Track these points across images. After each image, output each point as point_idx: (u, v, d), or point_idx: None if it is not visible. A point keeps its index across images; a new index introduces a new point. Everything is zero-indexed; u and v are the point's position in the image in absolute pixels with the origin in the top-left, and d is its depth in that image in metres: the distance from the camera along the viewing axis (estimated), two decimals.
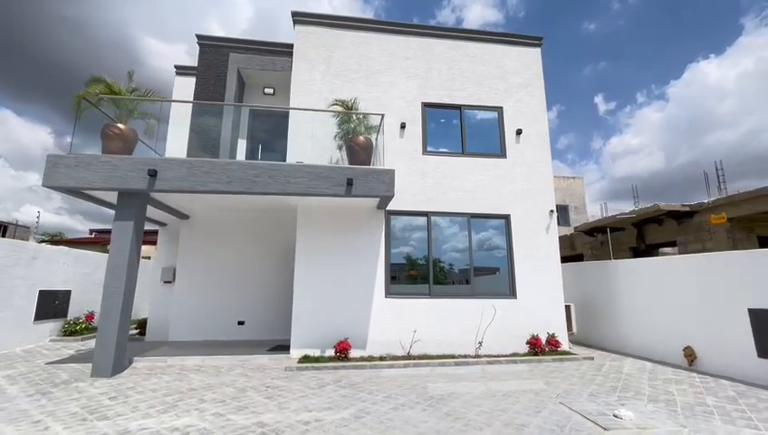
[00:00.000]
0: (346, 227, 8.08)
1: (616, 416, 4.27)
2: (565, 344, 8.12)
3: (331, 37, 8.96)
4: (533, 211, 8.81)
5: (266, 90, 9.86)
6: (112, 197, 7.00)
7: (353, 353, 7.31)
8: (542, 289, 8.42)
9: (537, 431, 3.93)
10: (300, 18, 8.89)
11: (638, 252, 12.54)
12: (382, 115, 7.62)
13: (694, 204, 10.27)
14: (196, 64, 10.59)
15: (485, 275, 8.55)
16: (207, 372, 6.40)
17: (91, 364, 6.60)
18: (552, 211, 8.85)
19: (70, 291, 9.88)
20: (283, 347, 8.21)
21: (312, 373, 6.44)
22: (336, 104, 7.84)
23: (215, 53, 9.36)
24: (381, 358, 7.35)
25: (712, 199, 9.52)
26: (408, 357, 7.37)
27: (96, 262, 10.92)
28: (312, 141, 8.12)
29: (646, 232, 12.10)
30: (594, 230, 13.62)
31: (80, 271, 10.25)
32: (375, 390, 5.49)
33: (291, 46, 9.79)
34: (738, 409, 4.66)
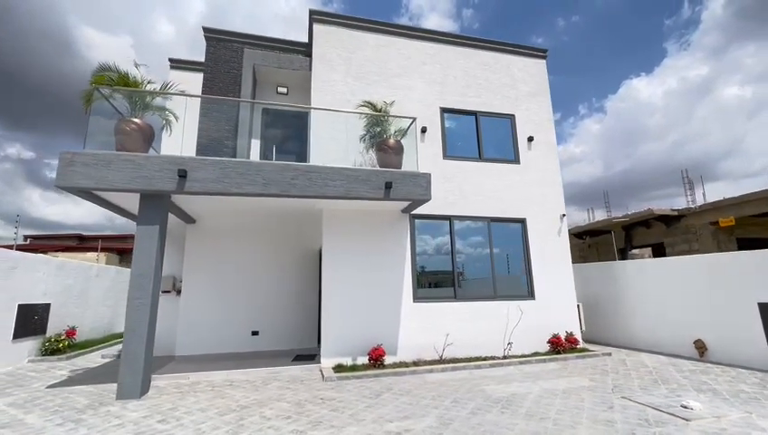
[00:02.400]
0: (372, 231, 7.92)
1: (684, 407, 4.53)
2: (581, 342, 8.50)
3: (350, 39, 8.82)
4: (546, 215, 9.18)
5: (280, 89, 9.46)
6: (128, 200, 6.40)
7: (386, 360, 7.16)
8: (557, 290, 8.77)
9: (627, 426, 4.07)
10: (318, 17, 8.66)
11: (624, 253, 13.48)
12: (414, 119, 7.58)
13: (682, 208, 11.27)
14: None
15: (506, 277, 8.74)
16: (243, 388, 5.96)
17: (103, 385, 6.08)
18: (563, 215, 9.28)
19: (49, 304, 8.81)
20: (306, 357, 7.88)
21: (356, 383, 6.22)
22: (365, 106, 7.70)
23: (224, 48, 8.84)
24: (415, 363, 7.27)
25: (699, 205, 10.56)
26: (441, 361, 7.35)
27: (78, 272, 9.86)
28: (336, 144, 7.89)
29: (634, 234, 13.06)
30: (584, 233, 14.46)
31: (60, 282, 9.19)
32: (435, 395, 5.41)
33: (304, 45, 9.54)
34: None
